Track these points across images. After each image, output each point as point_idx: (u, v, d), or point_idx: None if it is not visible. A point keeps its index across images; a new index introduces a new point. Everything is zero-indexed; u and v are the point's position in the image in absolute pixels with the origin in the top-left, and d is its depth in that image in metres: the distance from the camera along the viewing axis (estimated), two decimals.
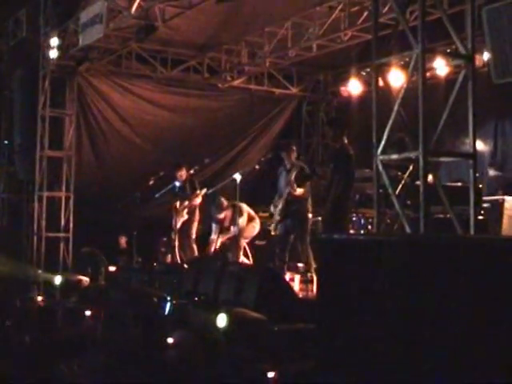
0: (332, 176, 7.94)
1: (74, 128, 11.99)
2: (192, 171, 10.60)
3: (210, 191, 10.22)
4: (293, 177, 8.89)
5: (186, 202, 10.48)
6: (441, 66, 10.26)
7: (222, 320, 6.07)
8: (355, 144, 8.31)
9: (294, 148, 9.33)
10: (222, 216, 9.93)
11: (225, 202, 9.98)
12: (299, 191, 8.92)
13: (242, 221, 9.83)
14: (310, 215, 9.19)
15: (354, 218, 9.57)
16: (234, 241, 9.83)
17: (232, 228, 9.87)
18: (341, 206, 7.96)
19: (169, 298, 7.14)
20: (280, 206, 9.08)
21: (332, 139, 8.19)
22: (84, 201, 11.81)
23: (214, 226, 10.07)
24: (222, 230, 9.89)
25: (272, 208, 9.31)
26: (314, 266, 8.71)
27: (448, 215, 6.14)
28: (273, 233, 9.31)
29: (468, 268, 3.55)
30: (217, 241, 9.88)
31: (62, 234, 11.87)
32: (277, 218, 9.12)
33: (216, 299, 7.22)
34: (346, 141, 8.07)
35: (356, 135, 11.95)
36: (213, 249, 9.85)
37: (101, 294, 8.69)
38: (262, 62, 12.19)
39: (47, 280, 10.08)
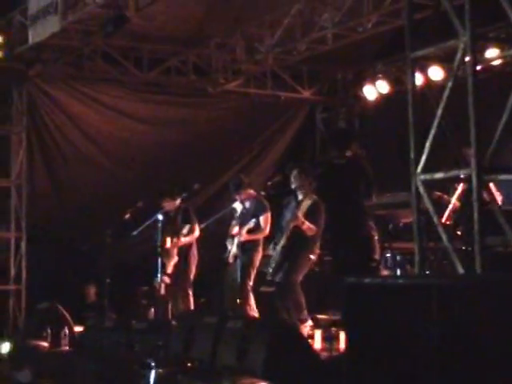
0: (345, 200, 8.07)
1: (24, 149, 12.04)
2: (179, 200, 10.61)
3: (204, 224, 10.24)
4: (304, 209, 8.91)
5: (180, 239, 10.47)
6: (492, 57, 10.33)
7: None
8: (386, 160, 8.37)
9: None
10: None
11: (246, 180, 10.17)
12: (309, 227, 8.94)
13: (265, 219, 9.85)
14: (313, 257, 9.25)
15: (387, 255, 9.60)
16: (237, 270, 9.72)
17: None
18: (365, 237, 8.06)
19: (153, 365, 7.11)
20: (281, 244, 9.11)
21: (337, 156, 8.36)
22: (40, 242, 11.82)
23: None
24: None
25: (271, 247, 9.37)
26: (306, 319, 8.91)
27: (511, 248, 6.15)
28: (269, 278, 9.33)
29: None
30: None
31: (11, 287, 11.86)
32: (276, 258, 9.16)
33: (214, 365, 7.19)
34: (350, 153, 8.24)
35: (387, 149, 12.07)
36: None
37: (64, 364, 8.64)
38: (263, 58, 12.26)
39: None
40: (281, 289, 9.18)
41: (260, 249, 9.95)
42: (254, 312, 9.82)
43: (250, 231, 9.77)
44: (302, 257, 9.15)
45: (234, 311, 9.67)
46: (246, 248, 9.60)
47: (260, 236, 9.91)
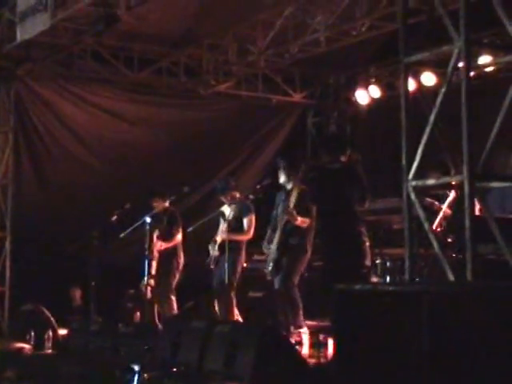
0: (337, 205, 8.11)
1: (11, 148, 12.01)
2: (167, 202, 10.62)
3: (191, 228, 10.24)
4: (293, 200, 8.91)
5: (161, 243, 10.48)
6: (485, 63, 10.38)
7: None
8: (377, 165, 8.41)
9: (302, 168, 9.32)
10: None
11: (233, 182, 10.22)
12: (302, 220, 8.93)
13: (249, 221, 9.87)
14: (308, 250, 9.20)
15: (377, 261, 9.61)
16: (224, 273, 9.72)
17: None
18: (356, 243, 8.12)
19: (137, 370, 7.11)
20: (276, 240, 9.09)
21: (331, 161, 8.42)
22: (25, 243, 11.79)
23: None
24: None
25: (265, 245, 9.32)
26: (301, 325, 8.85)
27: (502, 256, 6.16)
28: (269, 277, 9.31)
29: None
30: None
31: None
32: (273, 255, 9.12)
33: (201, 370, 7.19)
34: (344, 158, 8.29)
35: (378, 155, 12.11)
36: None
37: (47, 366, 8.63)
38: (255, 60, 12.27)
39: None
40: (279, 291, 9.14)
41: (243, 253, 9.93)
42: (238, 318, 9.81)
43: (231, 230, 9.76)
44: (298, 253, 9.10)
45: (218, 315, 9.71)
46: (229, 248, 9.56)
47: (243, 237, 9.90)
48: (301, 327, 8.89)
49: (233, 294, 9.77)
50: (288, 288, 8.98)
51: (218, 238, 9.89)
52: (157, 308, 10.57)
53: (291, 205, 8.86)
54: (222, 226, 9.94)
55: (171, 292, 10.58)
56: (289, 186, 9.12)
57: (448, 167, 6.44)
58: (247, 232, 9.88)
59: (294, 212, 8.84)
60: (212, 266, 9.96)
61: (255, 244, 10.28)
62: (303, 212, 8.90)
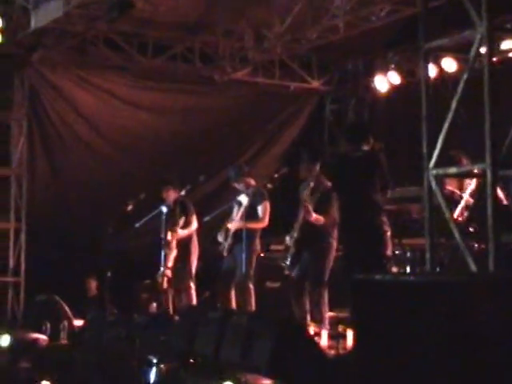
0: (358, 193, 8.09)
1: (24, 137, 12.05)
2: (183, 192, 10.61)
3: (208, 218, 10.23)
4: (307, 196, 8.90)
5: (177, 232, 10.48)
6: (507, 49, 10.32)
7: None
8: (398, 154, 8.37)
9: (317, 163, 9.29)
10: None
11: (246, 168, 10.19)
12: (317, 218, 8.91)
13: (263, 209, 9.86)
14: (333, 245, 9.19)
15: (396, 251, 9.58)
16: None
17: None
18: (377, 233, 8.09)
19: (154, 361, 7.12)
20: (295, 236, 9.09)
21: (354, 149, 8.39)
22: (40, 234, 11.85)
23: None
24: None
25: (288, 239, 9.31)
26: (326, 318, 8.88)
27: None
28: (287, 272, 9.30)
29: None
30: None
31: (10, 279, 11.90)
32: (292, 250, 9.12)
33: (217, 361, 7.20)
34: (366, 147, 8.25)
35: (398, 143, 12.06)
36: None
37: (63, 357, 8.67)
38: (271, 46, 12.24)
39: None
40: (298, 286, 9.14)
41: (257, 241, 9.88)
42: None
43: (246, 218, 9.72)
44: (324, 252, 9.09)
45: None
46: (243, 236, 9.56)
47: (258, 225, 9.86)
48: (323, 324, 8.89)
49: (251, 284, 9.76)
50: (320, 291, 8.99)
51: (232, 226, 9.87)
52: (173, 298, 10.59)
53: (309, 202, 8.87)
54: (236, 213, 9.92)
55: (191, 279, 10.58)
56: (311, 183, 9.12)
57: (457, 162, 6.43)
58: (262, 219, 9.84)
59: (311, 207, 8.85)
60: (225, 254, 9.95)
61: (273, 233, 10.28)
62: (321, 211, 8.90)
